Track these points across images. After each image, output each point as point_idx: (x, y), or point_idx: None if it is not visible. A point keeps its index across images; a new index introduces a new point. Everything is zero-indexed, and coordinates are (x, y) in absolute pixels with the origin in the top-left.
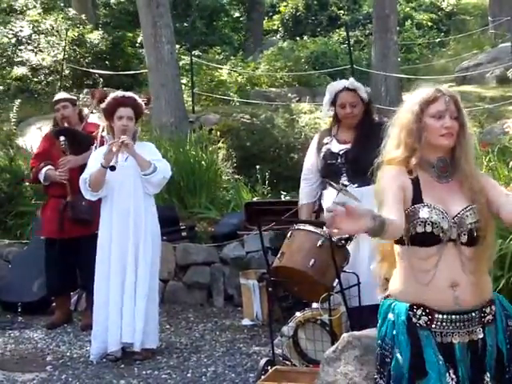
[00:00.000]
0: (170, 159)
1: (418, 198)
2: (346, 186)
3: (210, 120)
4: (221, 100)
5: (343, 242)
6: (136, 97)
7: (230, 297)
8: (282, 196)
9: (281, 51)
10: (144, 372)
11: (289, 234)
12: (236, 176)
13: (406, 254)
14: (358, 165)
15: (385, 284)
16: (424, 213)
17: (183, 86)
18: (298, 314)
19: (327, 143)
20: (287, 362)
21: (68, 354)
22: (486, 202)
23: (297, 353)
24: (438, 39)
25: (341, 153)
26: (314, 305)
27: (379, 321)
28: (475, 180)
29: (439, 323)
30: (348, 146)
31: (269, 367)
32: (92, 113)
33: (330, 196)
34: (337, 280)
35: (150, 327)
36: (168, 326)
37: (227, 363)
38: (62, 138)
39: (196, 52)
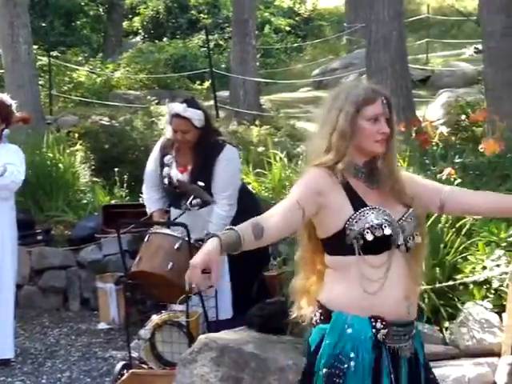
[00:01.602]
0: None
1: (358, 202)
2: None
3: (68, 122)
4: (79, 102)
5: (200, 242)
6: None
7: (87, 301)
8: (141, 199)
9: (140, 53)
10: None
11: (146, 238)
12: (94, 179)
13: (354, 264)
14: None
15: (308, 302)
16: (373, 217)
17: (41, 87)
18: (154, 316)
19: (168, 164)
20: (144, 366)
21: None
22: (422, 203)
23: (153, 356)
24: (296, 44)
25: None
26: (173, 307)
27: (331, 337)
28: (404, 184)
29: (393, 337)
30: (186, 176)
31: (125, 371)
32: None
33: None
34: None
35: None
36: (22, 332)
37: (83, 368)
38: None
39: (54, 53)
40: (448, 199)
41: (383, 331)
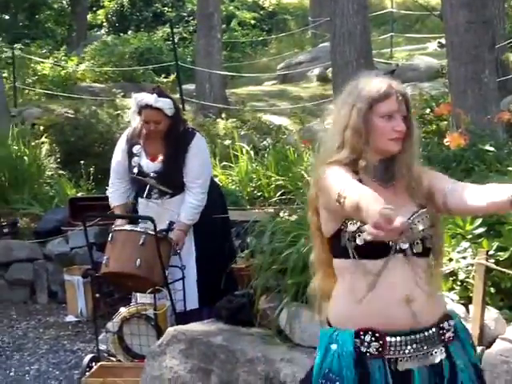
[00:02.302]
0: None
1: None
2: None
3: (33, 114)
4: (44, 94)
5: (164, 233)
6: None
7: (54, 293)
8: (107, 191)
9: (105, 46)
10: None
11: (110, 237)
12: (60, 171)
13: (349, 269)
14: (168, 181)
15: (323, 304)
16: None
17: (5, 80)
18: (122, 309)
19: (137, 154)
20: (112, 358)
21: None
22: (434, 200)
23: (122, 348)
24: (261, 38)
25: (151, 174)
26: (139, 299)
27: (318, 354)
28: (421, 182)
29: (393, 348)
30: (157, 165)
31: (93, 363)
32: None
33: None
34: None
35: None
36: None
37: (51, 361)
38: None
39: (18, 45)
40: (449, 195)
41: (375, 344)
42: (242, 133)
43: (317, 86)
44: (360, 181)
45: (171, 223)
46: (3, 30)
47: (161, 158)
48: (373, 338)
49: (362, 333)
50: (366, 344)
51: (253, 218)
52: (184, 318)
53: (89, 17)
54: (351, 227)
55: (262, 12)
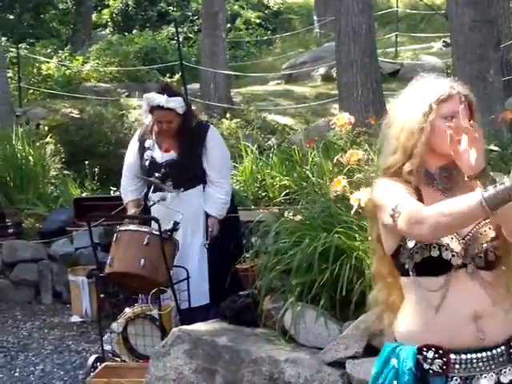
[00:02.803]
0: None
1: None
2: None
3: (38, 114)
4: (49, 94)
5: (169, 233)
6: None
7: (59, 294)
8: (112, 192)
9: (110, 46)
10: None
11: (114, 237)
12: (65, 171)
13: (412, 287)
14: (182, 173)
15: (386, 317)
16: None
17: (10, 80)
18: (127, 309)
19: (149, 148)
20: (117, 359)
21: None
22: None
23: (126, 349)
24: (266, 37)
25: (164, 164)
26: (140, 301)
27: (376, 367)
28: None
29: (458, 366)
30: (170, 155)
31: (98, 364)
32: None
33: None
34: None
35: None
36: None
37: (56, 361)
38: None
39: (23, 45)
40: None
41: (438, 361)
42: (247, 132)
43: (321, 86)
44: (417, 188)
45: (176, 223)
46: (8, 29)
47: (175, 152)
48: (436, 355)
49: (424, 349)
50: (428, 361)
51: (257, 218)
52: (189, 314)
53: (94, 16)
54: (410, 244)
55: (266, 11)
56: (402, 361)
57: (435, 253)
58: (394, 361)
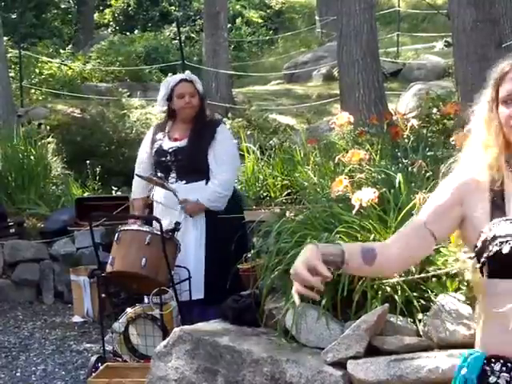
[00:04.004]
0: None
1: (498, 211)
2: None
3: (40, 114)
4: (50, 94)
5: (170, 233)
6: None
7: (60, 294)
8: (113, 191)
9: (112, 45)
10: None
11: (116, 237)
12: (66, 171)
13: (485, 289)
14: (187, 162)
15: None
16: (501, 229)
17: (11, 79)
18: (129, 309)
19: (160, 139)
20: (118, 359)
21: None
22: None
23: (128, 349)
24: (268, 37)
25: (170, 150)
26: (146, 300)
27: (454, 373)
28: None
29: None
30: (178, 143)
31: (99, 364)
32: None
33: (159, 192)
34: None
35: None
36: None
37: (57, 361)
38: None
39: (25, 45)
40: None
41: (505, 375)
42: (248, 132)
43: (323, 85)
44: (498, 186)
45: (177, 223)
46: (10, 29)
47: (186, 139)
48: (504, 368)
49: (493, 360)
50: (496, 373)
51: (259, 218)
52: (188, 307)
53: (95, 16)
54: (478, 243)
55: (268, 11)
56: (469, 371)
57: (506, 249)
58: (463, 371)
